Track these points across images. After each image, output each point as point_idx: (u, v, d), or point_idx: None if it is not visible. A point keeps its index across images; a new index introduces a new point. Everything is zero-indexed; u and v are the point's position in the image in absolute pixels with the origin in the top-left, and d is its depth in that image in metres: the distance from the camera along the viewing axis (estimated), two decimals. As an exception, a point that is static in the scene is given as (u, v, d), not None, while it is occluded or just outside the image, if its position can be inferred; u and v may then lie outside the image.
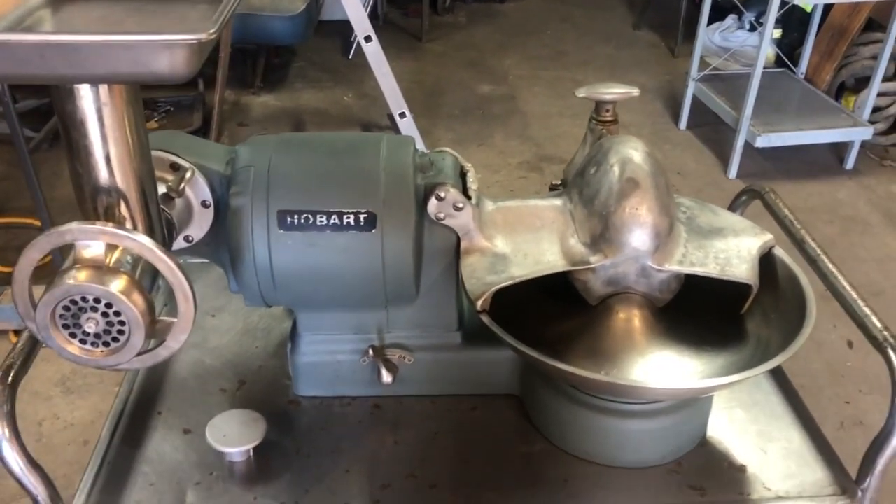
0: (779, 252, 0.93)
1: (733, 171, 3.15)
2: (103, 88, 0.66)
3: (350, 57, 4.12)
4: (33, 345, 0.81)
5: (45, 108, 3.32)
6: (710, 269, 0.88)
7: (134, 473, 0.88)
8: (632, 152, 0.88)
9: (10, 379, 0.78)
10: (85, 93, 0.66)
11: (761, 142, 3.02)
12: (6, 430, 0.76)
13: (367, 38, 2.79)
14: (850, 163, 3.24)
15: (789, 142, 3.08)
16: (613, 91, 0.97)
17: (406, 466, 0.89)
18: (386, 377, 0.93)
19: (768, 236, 0.93)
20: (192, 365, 1.03)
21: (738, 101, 3.08)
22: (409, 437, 0.93)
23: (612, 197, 0.86)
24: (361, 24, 2.77)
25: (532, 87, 3.92)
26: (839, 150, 3.30)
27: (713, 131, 3.43)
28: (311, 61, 4.13)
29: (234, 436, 0.88)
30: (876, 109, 3.23)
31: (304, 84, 3.92)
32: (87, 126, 0.68)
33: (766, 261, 0.92)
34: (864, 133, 3.12)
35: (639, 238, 0.86)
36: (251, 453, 0.89)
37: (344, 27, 3.83)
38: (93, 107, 0.67)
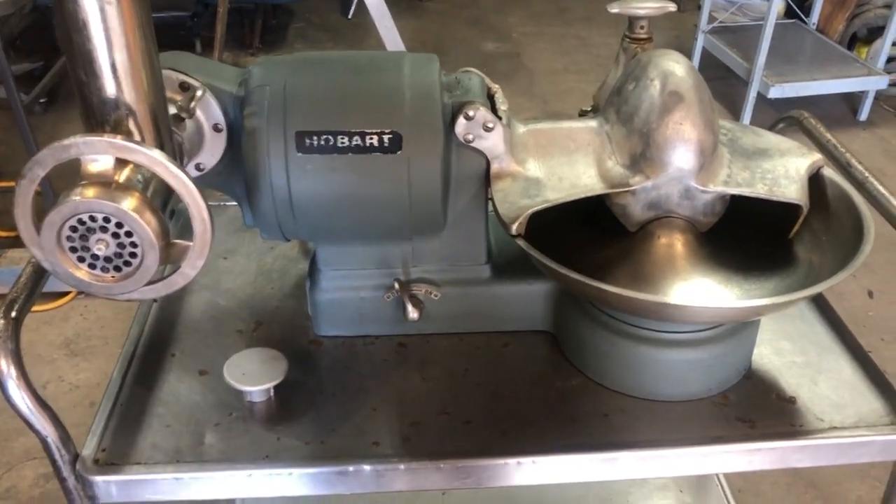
0: (828, 172, 0.88)
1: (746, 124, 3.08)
2: (107, -18, 0.60)
3: (350, 16, 4.03)
4: (39, 275, 0.75)
5: (38, 72, 3.25)
6: (757, 190, 0.83)
7: (148, 415, 0.83)
8: (673, 65, 0.82)
9: (13, 313, 0.72)
10: (87, -12, 0.60)
11: (774, 92, 2.95)
12: (12, 369, 0.71)
13: (369, -9, 2.70)
14: (863, 114, 3.18)
15: (803, 92, 3.01)
16: (648, 5, 0.92)
17: (437, 404, 0.84)
18: (412, 313, 0.88)
19: (817, 156, 0.88)
20: (205, 306, 0.98)
21: (750, 53, 3.01)
22: (438, 374, 0.88)
23: (653, 113, 0.80)
24: (363, -24, 2.68)
25: (536, 43, 3.83)
26: (852, 101, 3.24)
27: (723, 85, 3.35)
28: (310, 21, 4.04)
29: (253, 374, 0.83)
30: (890, 59, 3.16)
31: (303, 45, 3.83)
32: (89, 28, 0.62)
33: (816, 182, 0.87)
34: (880, 82, 3.06)
35: (682, 156, 0.80)
36: (272, 392, 0.84)
37: (343, -15, 3.74)
38: (95, 5, 0.61)
